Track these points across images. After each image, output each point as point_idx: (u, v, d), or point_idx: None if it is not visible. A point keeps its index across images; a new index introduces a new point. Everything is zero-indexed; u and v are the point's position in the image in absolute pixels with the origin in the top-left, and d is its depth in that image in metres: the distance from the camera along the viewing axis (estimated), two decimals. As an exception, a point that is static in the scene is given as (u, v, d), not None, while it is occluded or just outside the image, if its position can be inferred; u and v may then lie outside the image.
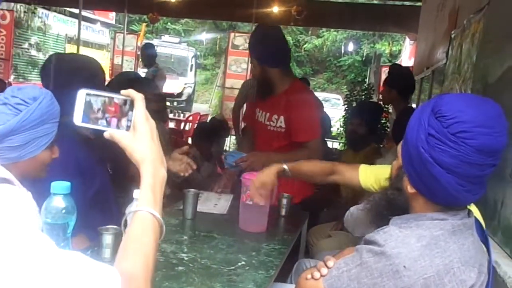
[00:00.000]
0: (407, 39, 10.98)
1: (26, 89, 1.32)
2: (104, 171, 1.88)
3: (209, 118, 5.75)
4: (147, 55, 5.76)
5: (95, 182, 1.77)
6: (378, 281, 0.99)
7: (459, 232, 1.02)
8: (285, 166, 1.77)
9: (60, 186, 1.19)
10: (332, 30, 17.30)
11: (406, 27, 7.28)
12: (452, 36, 3.03)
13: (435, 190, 1.01)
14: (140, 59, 5.92)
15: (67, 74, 1.77)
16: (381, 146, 3.63)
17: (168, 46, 15.18)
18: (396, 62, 13.57)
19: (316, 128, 2.38)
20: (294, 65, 17.35)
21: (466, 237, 1.02)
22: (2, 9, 9.36)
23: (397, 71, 3.30)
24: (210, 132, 3.78)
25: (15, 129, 1.27)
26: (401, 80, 3.12)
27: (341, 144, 7.25)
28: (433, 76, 4.11)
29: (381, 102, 4.09)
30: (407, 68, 3.45)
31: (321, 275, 1.10)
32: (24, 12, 11.30)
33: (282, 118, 2.38)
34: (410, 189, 1.07)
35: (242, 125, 4.92)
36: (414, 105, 3.89)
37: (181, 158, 1.94)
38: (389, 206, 1.13)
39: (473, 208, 1.15)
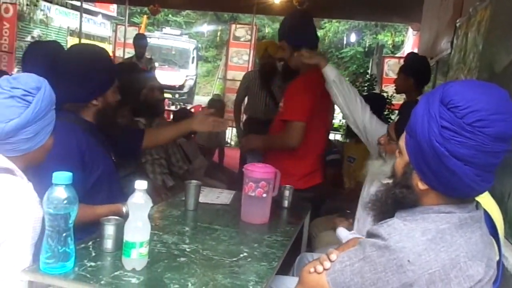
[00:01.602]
0: (410, 30, 10.90)
1: (23, 78, 1.31)
2: (107, 156, 1.87)
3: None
4: (140, 45, 5.78)
5: (98, 167, 1.76)
6: (381, 275, 0.97)
7: (466, 226, 0.99)
8: None
9: (62, 177, 1.19)
10: (334, 21, 17.18)
11: (409, 17, 7.22)
12: (457, 25, 2.99)
13: (451, 183, 0.97)
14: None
15: (68, 62, 1.77)
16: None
17: (169, 38, 15.12)
18: (398, 54, 13.51)
19: (299, 111, 2.31)
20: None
21: (473, 231, 0.99)
22: (5, 2, 9.31)
23: (415, 58, 3.23)
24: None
25: (29, 120, 1.27)
26: (420, 68, 3.06)
27: (343, 136, 7.23)
28: (437, 67, 4.08)
29: (380, 93, 4.07)
30: (424, 57, 3.38)
31: (324, 269, 1.08)
32: (27, 5, 11.28)
33: (284, 99, 2.44)
34: (421, 185, 1.02)
35: (244, 117, 4.92)
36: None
37: (206, 118, 2.08)
38: (397, 205, 1.09)
39: (489, 200, 1.12)
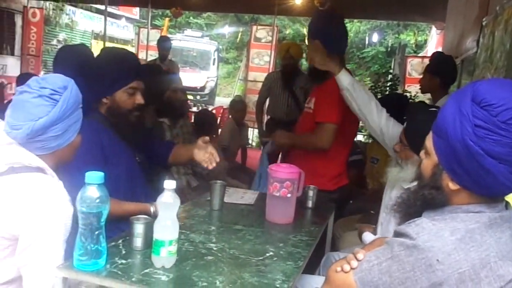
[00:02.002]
0: (434, 29, 10.73)
1: (51, 78, 1.36)
2: (130, 155, 1.91)
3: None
4: (164, 48, 5.82)
5: (119, 163, 1.81)
6: (410, 275, 0.97)
7: (495, 225, 0.98)
8: None
9: (94, 176, 1.22)
10: (355, 21, 17.05)
11: (432, 16, 7.12)
12: (484, 23, 2.95)
13: (485, 182, 0.97)
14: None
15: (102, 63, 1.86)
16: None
17: (190, 40, 15.27)
18: (421, 53, 13.31)
19: (331, 113, 2.31)
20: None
21: (503, 231, 0.99)
22: (32, 7, 9.57)
23: (442, 58, 3.18)
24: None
25: (57, 118, 1.31)
26: (446, 67, 3.03)
27: (365, 136, 7.18)
28: (462, 66, 4.02)
29: (403, 94, 4.02)
30: (451, 56, 3.34)
31: (351, 268, 1.08)
32: (53, 9, 11.54)
33: (313, 99, 2.43)
34: (452, 186, 1.02)
35: (266, 118, 4.94)
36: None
37: (205, 147, 1.95)
38: (425, 206, 1.08)
39: None
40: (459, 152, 0.97)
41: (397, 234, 1.06)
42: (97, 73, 1.83)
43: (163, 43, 5.84)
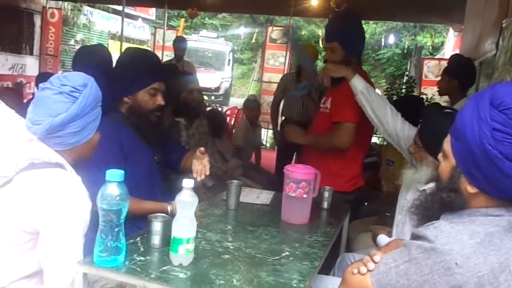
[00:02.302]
0: (451, 30, 10.63)
1: (71, 76, 1.39)
2: (149, 154, 1.94)
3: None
4: (180, 48, 5.84)
5: (138, 161, 1.84)
6: (428, 277, 0.97)
7: None
8: None
9: (115, 174, 1.25)
10: (371, 22, 16.95)
11: (450, 18, 7.04)
12: (503, 25, 2.91)
13: (504, 186, 0.96)
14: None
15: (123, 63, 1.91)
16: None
17: (206, 41, 15.34)
18: (438, 55, 13.17)
19: (349, 112, 2.30)
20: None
21: None
22: (51, 8, 9.72)
23: (460, 60, 3.16)
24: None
25: (76, 114, 1.34)
26: (465, 70, 3.00)
27: (379, 139, 7.13)
28: (480, 68, 3.97)
29: (419, 96, 3.99)
30: (470, 58, 3.30)
31: (368, 270, 1.08)
32: (71, 10, 11.71)
33: (329, 99, 2.43)
34: (470, 189, 1.02)
35: (281, 119, 4.94)
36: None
37: (202, 158, 1.93)
38: (443, 209, 1.08)
39: None
40: (477, 156, 0.97)
41: (415, 236, 1.05)
42: (119, 73, 1.87)
43: (179, 44, 5.87)
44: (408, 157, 2.06)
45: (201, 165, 1.91)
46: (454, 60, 3.14)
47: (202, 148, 1.94)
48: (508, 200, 1.00)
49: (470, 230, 0.98)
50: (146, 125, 1.94)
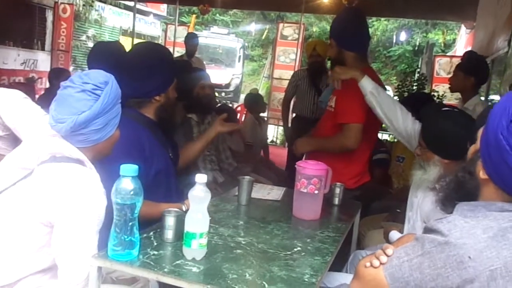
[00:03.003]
0: (463, 28, 10.53)
1: (92, 74, 1.41)
2: (165, 153, 1.96)
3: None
4: (191, 44, 5.85)
5: (157, 164, 1.85)
6: (441, 271, 0.98)
7: None
8: None
9: (129, 169, 1.26)
10: (382, 19, 16.83)
11: (462, 15, 6.99)
12: (516, 23, 2.89)
13: (507, 180, 0.99)
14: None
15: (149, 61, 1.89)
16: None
17: (216, 37, 15.35)
18: (450, 52, 13.06)
19: (356, 113, 2.31)
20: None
21: None
22: (63, 3, 9.79)
23: (475, 56, 3.14)
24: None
25: (99, 112, 1.36)
26: (480, 67, 2.99)
27: (390, 135, 7.10)
28: (492, 66, 3.94)
29: (425, 92, 3.96)
30: (482, 56, 3.28)
31: (381, 263, 1.09)
32: (83, 5, 11.78)
33: (334, 97, 2.44)
34: (482, 174, 1.05)
35: (292, 116, 4.95)
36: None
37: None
38: (458, 189, 1.12)
39: None
40: (491, 143, 1.00)
41: (428, 230, 1.06)
42: (149, 72, 1.85)
43: (191, 40, 5.88)
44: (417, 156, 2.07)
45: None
46: (470, 57, 3.11)
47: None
48: None
49: (484, 225, 0.99)
50: (171, 122, 1.98)
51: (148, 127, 1.89)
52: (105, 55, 2.37)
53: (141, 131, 1.84)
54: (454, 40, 15.17)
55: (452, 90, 3.23)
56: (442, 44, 16.04)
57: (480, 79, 2.97)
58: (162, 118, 1.95)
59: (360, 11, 2.53)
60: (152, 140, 1.87)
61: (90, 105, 1.35)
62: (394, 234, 1.88)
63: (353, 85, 2.26)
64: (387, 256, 1.09)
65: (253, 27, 18.94)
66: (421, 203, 1.92)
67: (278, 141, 9.09)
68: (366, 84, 2.13)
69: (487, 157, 1.03)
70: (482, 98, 3.77)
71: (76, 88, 1.35)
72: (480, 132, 1.09)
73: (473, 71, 2.94)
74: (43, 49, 10.35)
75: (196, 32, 14.05)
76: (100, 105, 1.36)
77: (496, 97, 4.60)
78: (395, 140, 4.91)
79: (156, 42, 14.16)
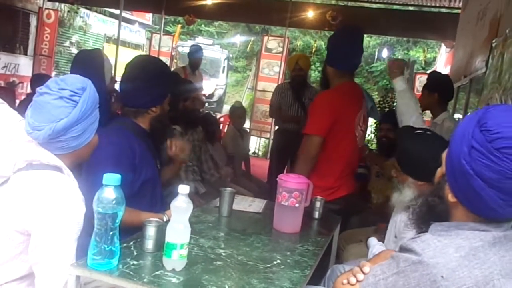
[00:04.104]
0: (443, 46, 10.78)
1: (69, 79, 1.39)
2: (154, 165, 1.97)
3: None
4: (198, 57, 5.61)
5: (146, 174, 1.86)
6: None
7: (499, 244, 1.00)
8: None
9: (112, 178, 1.26)
10: (365, 36, 17.12)
11: (442, 34, 7.18)
12: (493, 44, 2.99)
13: (475, 202, 1.00)
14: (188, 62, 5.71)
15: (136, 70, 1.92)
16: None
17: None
18: (431, 70, 13.33)
19: (315, 125, 2.38)
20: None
21: (507, 250, 1.01)
22: (47, 8, 9.70)
23: (437, 75, 3.38)
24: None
25: (77, 119, 1.35)
26: (442, 84, 3.15)
27: (372, 150, 7.17)
28: (470, 85, 4.05)
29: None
30: (446, 74, 3.50)
31: (357, 281, 1.11)
32: (68, 11, 11.69)
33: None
34: (451, 198, 1.06)
35: (275, 128, 4.97)
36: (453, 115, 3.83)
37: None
38: (429, 213, 1.14)
39: None
40: (455, 167, 1.01)
41: (403, 249, 1.08)
42: (151, 84, 1.89)
43: (196, 53, 5.61)
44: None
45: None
46: (432, 76, 3.36)
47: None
48: (484, 218, 1.03)
49: (456, 244, 1.01)
50: (164, 133, 2.01)
51: (141, 137, 1.91)
52: (86, 63, 2.38)
53: (133, 140, 1.86)
54: (435, 58, 15.52)
55: (422, 108, 3.36)
56: (423, 62, 16.37)
57: (444, 95, 3.14)
58: (156, 128, 1.97)
59: (351, 29, 2.58)
60: (143, 150, 1.88)
61: (68, 112, 1.33)
62: (372, 241, 1.91)
63: (320, 97, 2.33)
64: (364, 273, 1.11)
65: (238, 38, 19.04)
66: (396, 220, 1.96)
67: (260, 153, 9.11)
68: (397, 85, 2.35)
69: (453, 181, 1.04)
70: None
71: (53, 95, 1.33)
72: (444, 155, 1.10)
73: (435, 88, 3.11)
74: (25, 53, 10.21)
75: (181, 42, 14.08)
76: (79, 112, 1.34)
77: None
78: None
79: (140, 51, 14.13)
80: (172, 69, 9.12)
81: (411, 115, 2.24)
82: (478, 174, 0.96)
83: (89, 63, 2.38)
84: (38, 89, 1.38)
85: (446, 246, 1.01)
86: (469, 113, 4.60)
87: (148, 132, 1.96)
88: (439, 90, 3.09)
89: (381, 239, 2.05)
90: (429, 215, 1.14)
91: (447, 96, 3.20)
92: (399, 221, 1.91)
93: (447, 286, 0.97)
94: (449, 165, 1.05)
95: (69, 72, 2.17)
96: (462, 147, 0.99)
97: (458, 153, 1.00)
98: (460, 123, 1.05)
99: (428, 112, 3.43)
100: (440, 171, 1.12)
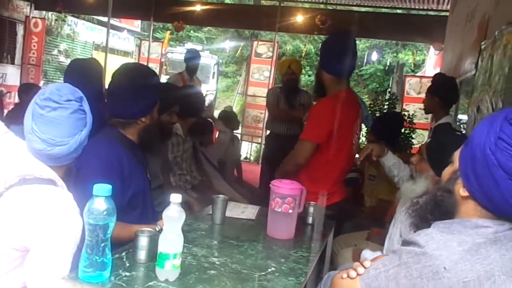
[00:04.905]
0: (432, 49, 10.87)
1: (66, 90, 1.37)
2: (144, 174, 1.94)
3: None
4: (195, 63, 5.44)
5: (136, 186, 1.82)
6: (417, 281, 1.00)
7: (500, 243, 1.02)
8: None
9: (102, 189, 1.24)
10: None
11: (431, 37, 7.24)
12: (482, 47, 3.01)
13: (491, 194, 1.01)
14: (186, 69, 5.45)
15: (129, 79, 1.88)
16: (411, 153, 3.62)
17: (191, 53, 15.32)
18: (419, 73, 13.45)
19: (311, 131, 2.37)
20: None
21: (508, 249, 1.01)
22: (34, 17, 9.63)
23: (441, 78, 3.30)
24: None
25: (89, 127, 1.40)
26: (443, 88, 3.11)
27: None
28: (460, 87, 4.08)
29: (402, 113, 4.06)
30: (452, 77, 3.44)
31: (358, 274, 1.10)
32: (55, 20, 11.61)
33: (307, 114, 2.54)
34: (462, 192, 1.08)
35: (266, 133, 4.96)
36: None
37: None
38: (435, 209, 1.15)
39: None
40: (477, 159, 1.03)
41: (406, 242, 1.09)
42: (138, 93, 1.84)
43: (193, 60, 5.41)
44: (404, 173, 2.21)
45: None
46: (437, 79, 3.28)
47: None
48: (493, 213, 1.04)
49: (459, 239, 1.02)
50: (155, 142, 1.98)
51: (129, 149, 1.87)
52: (86, 72, 2.37)
53: (121, 152, 1.82)
54: (424, 60, 15.65)
55: (426, 111, 3.36)
56: (412, 65, 16.49)
57: (446, 100, 3.09)
58: (145, 139, 1.93)
59: (345, 35, 2.52)
60: (132, 163, 1.85)
61: (84, 122, 1.37)
62: (366, 253, 1.90)
63: (322, 104, 2.31)
64: (365, 268, 1.10)
65: (228, 44, 19.05)
66: (403, 218, 1.95)
67: (252, 158, 9.10)
68: (386, 161, 2.33)
69: (471, 174, 1.05)
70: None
71: (68, 109, 1.33)
72: (456, 154, 1.13)
73: (437, 91, 3.08)
74: (12, 63, 10.11)
75: (171, 48, 14.03)
76: (90, 120, 1.39)
77: (463, 117, 4.75)
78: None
79: (129, 58, 14.07)
80: (165, 77, 9.07)
81: (402, 170, 2.32)
82: (501, 164, 0.99)
83: (89, 72, 2.37)
84: (37, 101, 1.33)
85: (449, 240, 1.02)
86: (460, 115, 4.64)
87: (135, 143, 1.92)
88: (441, 94, 3.06)
89: (374, 246, 2.05)
90: (432, 213, 1.15)
91: (449, 100, 3.15)
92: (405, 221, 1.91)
93: (449, 278, 0.97)
94: (465, 158, 1.07)
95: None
96: (489, 137, 1.01)
97: (483, 144, 1.02)
98: (482, 122, 1.08)
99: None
100: (451, 168, 1.15)
